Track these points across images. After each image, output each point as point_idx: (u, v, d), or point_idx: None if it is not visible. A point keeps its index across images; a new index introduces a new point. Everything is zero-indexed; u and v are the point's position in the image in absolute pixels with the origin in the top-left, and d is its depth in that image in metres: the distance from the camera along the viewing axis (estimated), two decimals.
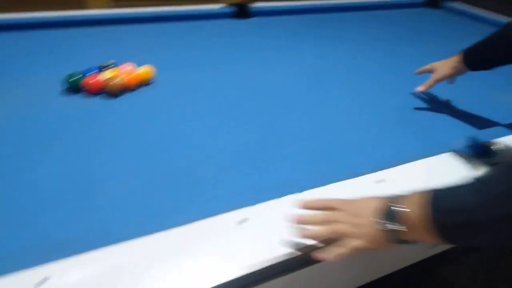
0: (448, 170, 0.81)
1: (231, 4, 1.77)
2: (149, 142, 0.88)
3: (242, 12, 1.76)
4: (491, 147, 0.89)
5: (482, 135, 0.94)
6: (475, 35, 1.68)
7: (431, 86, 1.10)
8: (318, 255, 0.58)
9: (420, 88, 1.11)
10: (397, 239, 0.56)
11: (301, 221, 0.61)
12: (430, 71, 1.12)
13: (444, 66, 1.08)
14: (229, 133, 0.93)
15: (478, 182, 0.54)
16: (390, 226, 0.56)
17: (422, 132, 0.99)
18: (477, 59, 1.03)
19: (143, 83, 1.12)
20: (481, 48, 1.02)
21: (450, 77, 1.09)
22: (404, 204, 0.56)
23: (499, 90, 1.27)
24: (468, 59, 1.04)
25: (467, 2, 3.35)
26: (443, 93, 1.20)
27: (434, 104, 1.15)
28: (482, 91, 1.25)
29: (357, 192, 0.66)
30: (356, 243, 0.57)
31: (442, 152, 0.86)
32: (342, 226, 0.59)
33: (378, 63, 1.41)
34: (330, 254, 0.57)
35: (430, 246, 0.77)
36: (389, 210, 0.57)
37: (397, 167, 0.80)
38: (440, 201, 0.54)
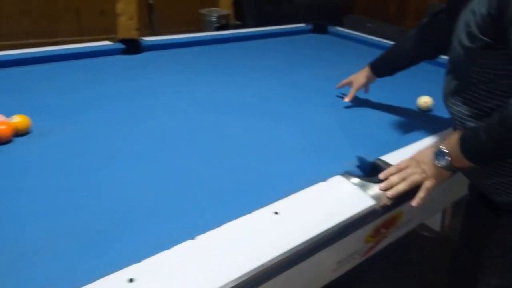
0: (338, 194, 0.84)
1: (121, 40, 1.71)
2: (40, 197, 0.78)
3: (132, 47, 1.71)
4: (379, 165, 0.95)
5: (370, 153, 1.00)
6: (360, 56, 1.81)
7: (353, 95, 1.35)
8: (411, 203, 0.86)
9: (347, 99, 1.35)
10: (450, 168, 0.84)
11: (387, 185, 0.86)
12: (348, 84, 1.37)
13: (359, 77, 1.34)
14: (122, 183, 0.87)
15: (486, 126, 0.76)
16: (443, 161, 0.84)
17: (317, 157, 1.02)
18: (381, 68, 1.30)
19: (19, 133, 1.01)
20: (384, 59, 1.29)
21: (365, 85, 1.35)
22: (446, 145, 0.84)
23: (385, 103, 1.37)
24: (374, 69, 1.30)
25: (349, 27, 3.65)
26: (338, 116, 1.27)
27: (330, 128, 1.20)
28: (369, 108, 1.34)
29: (253, 228, 0.65)
30: (428, 184, 0.86)
31: (333, 175, 0.89)
32: (416, 176, 0.86)
33: (275, 92, 1.44)
34: (415, 201, 0.86)
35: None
36: (439, 151, 0.85)
37: (292, 196, 0.80)
38: (464, 143, 0.80)
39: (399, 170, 0.88)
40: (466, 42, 0.79)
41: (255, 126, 1.17)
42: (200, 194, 0.83)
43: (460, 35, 0.81)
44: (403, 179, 0.86)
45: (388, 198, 0.85)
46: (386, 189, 0.86)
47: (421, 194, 0.86)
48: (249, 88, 1.46)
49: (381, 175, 0.88)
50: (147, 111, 1.21)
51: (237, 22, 3.73)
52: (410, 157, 0.90)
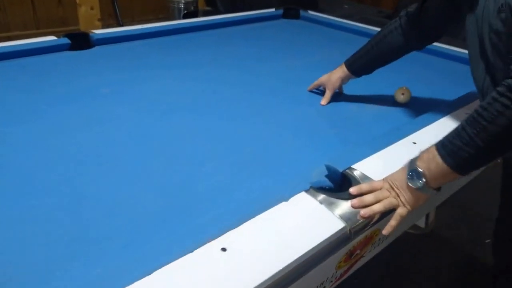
0: (301, 218, 0.70)
1: (67, 35, 1.53)
2: None
3: (81, 42, 1.53)
4: (350, 176, 0.82)
5: (341, 158, 0.87)
6: (332, 44, 1.67)
7: (329, 98, 1.21)
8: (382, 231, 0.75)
9: (323, 102, 1.20)
10: (427, 190, 0.73)
11: (361, 204, 0.73)
12: (320, 86, 1.25)
13: (331, 78, 1.20)
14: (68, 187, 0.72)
15: (471, 118, 0.69)
16: (418, 182, 0.72)
17: (278, 167, 0.89)
18: (361, 67, 1.17)
19: None
20: (364, 57, 1.15)
21: (340, 87, 1.23)
22: (421, 162, 0.73)
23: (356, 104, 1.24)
24: (352, 67, 1.17)
25: (326, 9, 3.50)
26: (304, 115, 1.13)
27: (293, 129, 1.06)
28: (336, 109, 1.21)
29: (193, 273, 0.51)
30: (401, 211, 0.74)
31: (297, 192, 0.76)
32: (391, 199, 0.75)
33: (233, 89, 1.29)
34: (386, 229, 0.74)
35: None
36: (413, 170, 0.73)
37: (244, 225, 0.67)
38: (443, 148, 0.71)
39: (372, 189, 0.76)
40: (501, 28, 0.73)
41: (204, 131, 1.02)
42: (121, 229, 0.69)
43: (492, 22, 0.75)
44: (378, 200, 0.74)
45: (362, 217, 0.72)
46: (358, 207, 0.73)
47: (392, 222, 0.75)
48: (208, 83, 1.31)
49: (353, 190, 0.76)
50: (82, 118, 1.04)
51: (208, 8, 3.53)
52: (384, 178, 0.78)
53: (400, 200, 0.75)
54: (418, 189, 0.73)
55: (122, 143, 0.94)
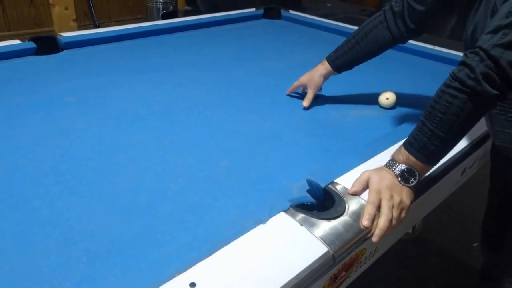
0: (280, 243, 0.64)
1: (33, 38, 1.44)
2: None
3: (48, 46, 1.44)
4: (333, 192, 0.75)
5: (322, 171, 0.81)
6: (313, 44, 1.60)
7: (312, 99, 1.15)
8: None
9: (306, 104, 1.14)
10: (418, 184, 0.76)
11: (383, 235, 0.70)
12: (300, 86, 1.19)
13: (313, 77, 1.15)
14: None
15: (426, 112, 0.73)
16: (413, 178, 0.75)
17: (254, 183, 0.81)
18: (344, 62, 1.12)
19: None
20: (347, 51, 1.10)
21: (321, 85, 1.16)
22: (402, 160, 0.75)
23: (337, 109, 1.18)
24: (335, 63, 1.12)
25: (309, 7, 3.44)
26: (280, 123, 1.07)
27: (270, 139, 1.00)
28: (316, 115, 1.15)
29: None
30: (404, 215, 0.74)
31: (275, 211, 0.69)
32: (403, 212, 0.74)
33: (206, 94, 1.22)
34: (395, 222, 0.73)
35: None
36: (406, 169, 0.75)
37: (216, 254, 0.60)
38: (411, 144, 0.75)
39: (375, 207, 0.72)
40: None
41: (175, 142, 0.95)
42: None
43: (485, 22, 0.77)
44: (392, 214, 0.72)
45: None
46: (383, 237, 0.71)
47: (403, 214, 0.75)
48: (182, 87, 1.23)
49: (366, 224, 0.69)
50: (43, 131, 0.95)
51: (187, 8, 3.45)
52: (374, 190, 0.73)
53: (401, 204, 0.74)
54: (413, 186, 0.75)
55: (84, 158, 0.86)
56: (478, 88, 0.67)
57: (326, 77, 1.15)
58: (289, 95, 1.22)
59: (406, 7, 1.01)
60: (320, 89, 1.17)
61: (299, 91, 1.22)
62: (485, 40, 0.68)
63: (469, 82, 0.68)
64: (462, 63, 0.70)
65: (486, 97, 0.68)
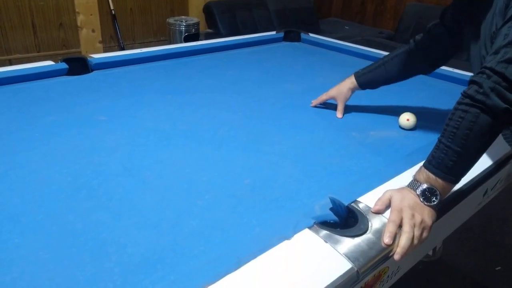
0: (306, 254, 0.66)
1: (65, 60, 1.51)
2: None
3: (79, 67, 1.51)
4: (355, 209, 0.77)
5: (344, 190, 0.82)
6: (332, 67, 1.64)
7: (343, 111, 1.23)
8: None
9: (339, 115, 1.23)
10: (440, 203, 0.76)
11: (405, 254, 0.70)
12: (328, 99, 1.26)
13: (342, 90, 1.23)
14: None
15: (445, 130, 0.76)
16: (435, 198, 0.75)
17: (278, 201, 0.84)
18: (369, 81, 1.21)
19: None
20: (370, 70, 1.20)
21: (349, 98, 1.24)
22: (424, 180, 0.76)
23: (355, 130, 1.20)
24: (360, 79, 1.21)
25: (327, 30, 3.50)
26: (301, 143, 1.09)
27: (291, 159, 1.02)
28: (336, 139, 1.17)
29: None
30: (425, 234, 0.74)
31: (300, 229, 0.71)
32: (425, 232, 0.74)
33: (230, 116, 1.26)
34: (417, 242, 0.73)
35: None
36: (427, 189, 0.75)
37: (239, 271, 0.61)
38: (431, 163, 0.76)
39: (396, 224, 0.73)
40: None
41: (201, 160, 0.98)
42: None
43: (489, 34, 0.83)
44: (412, 238, 0.72)
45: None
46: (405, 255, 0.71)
47: (425, 234, 0.75)
48: (206, 109, 1.27)
49: (387, 241, 0.71)
50: (76, 148, 1.00)
51: (209, 30, 3.54)
52: (396, 209, 0.75)
53: (424, 224, 0.75)
54: (435, 205, 0.76)
55: (115, 174, 0.90)
56: (487, 102, 0.71)
57: (353, 91, 1.23)
58: (310, 117, 1.24)
59: (426, 42, 1.11)
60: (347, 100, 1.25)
61: (320, 105, 1.28)
62: (489, 60, 0.74)
63: (479, 97, 0.72)
64: (471, 82, 0.75)
65: (496, 111, 0.71)
